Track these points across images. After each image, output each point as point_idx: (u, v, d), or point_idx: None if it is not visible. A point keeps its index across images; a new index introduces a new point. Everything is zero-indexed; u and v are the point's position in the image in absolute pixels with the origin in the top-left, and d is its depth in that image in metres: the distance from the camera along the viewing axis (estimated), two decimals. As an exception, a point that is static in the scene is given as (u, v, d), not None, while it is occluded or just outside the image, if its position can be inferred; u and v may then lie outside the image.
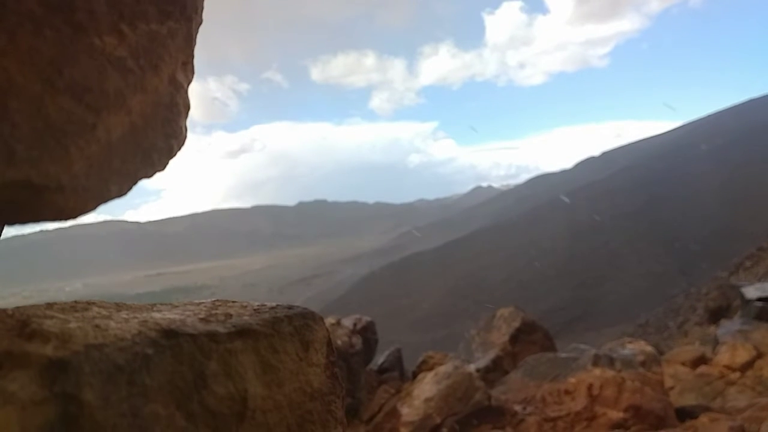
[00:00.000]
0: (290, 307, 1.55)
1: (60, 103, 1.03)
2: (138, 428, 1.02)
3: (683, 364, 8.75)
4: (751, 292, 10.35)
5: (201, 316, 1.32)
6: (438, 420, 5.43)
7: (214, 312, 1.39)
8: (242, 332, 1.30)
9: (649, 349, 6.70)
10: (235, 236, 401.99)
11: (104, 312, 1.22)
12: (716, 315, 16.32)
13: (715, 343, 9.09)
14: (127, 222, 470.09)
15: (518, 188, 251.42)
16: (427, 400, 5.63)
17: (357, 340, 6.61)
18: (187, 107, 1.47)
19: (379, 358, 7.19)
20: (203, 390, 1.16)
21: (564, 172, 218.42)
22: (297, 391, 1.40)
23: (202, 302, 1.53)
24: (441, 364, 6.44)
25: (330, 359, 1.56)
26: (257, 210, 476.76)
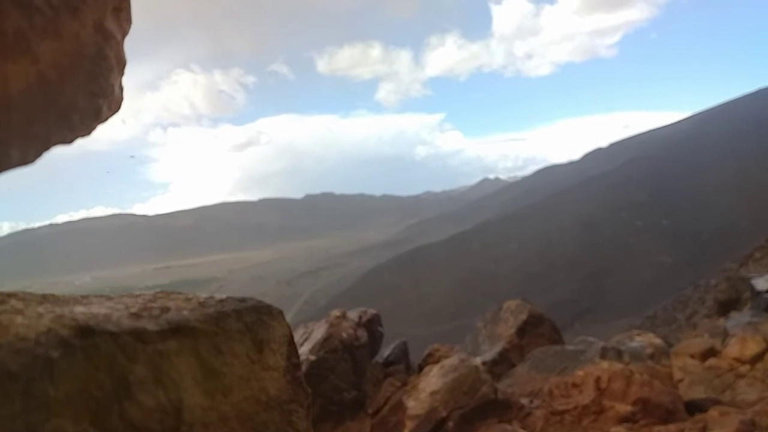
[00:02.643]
0: (242, 300, 1.36)
1: None
2: None
3: (692, 356, 8.66)
4: (761, 283, 10.24)
5: (133, 311, 1.12)
6: (444, 413, 5.39)
7: (149, 306, 1.19)
8: (178, 330, 1.11)
9: (657, 341, 6.64)
10: (243, 229, 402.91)
11: (19, 305, 1.04)
12: (725, 307, 16.20)
13: (725, 335, 9.00)
14: (135, 215, 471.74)
15: (526, 180, 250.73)
16: (433, 393, 5.59)
17: (362, 333, 6.58)
18: (122, 63, 1.27)
19: (385, 351, 7.15)
20: (126, 401, 0.98)
21: (572, 164, 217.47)
22: (248, 399, 1.21)
23: (142, 294, 1.34)
24: (447, 357, 6.40)
25: (292, 361, 1.37)
26: (265, 203, 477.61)
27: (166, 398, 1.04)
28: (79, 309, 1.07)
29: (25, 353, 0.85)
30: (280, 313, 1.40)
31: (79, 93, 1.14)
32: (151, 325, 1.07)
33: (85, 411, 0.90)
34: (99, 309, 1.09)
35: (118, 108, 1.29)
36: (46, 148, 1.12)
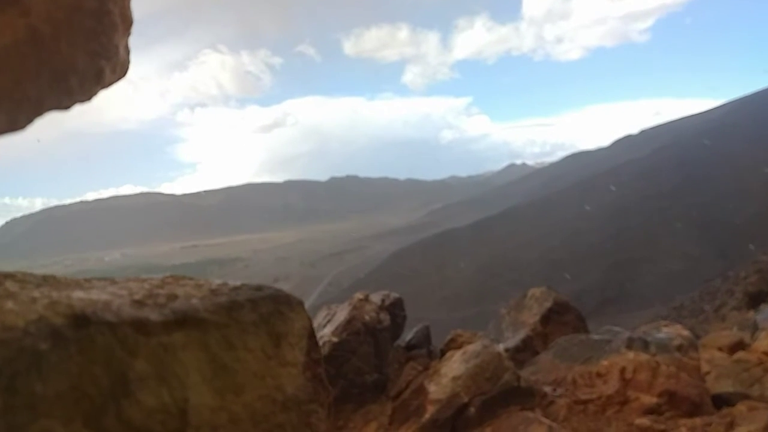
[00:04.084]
0: (258, 288, 1.20)
1: None
2: None
3: (720, 349, 8.49)
4: (795, 277, 9.99)
5: (136, 298, 1.00)
6: (465, 399, 5.37)
7: (155, 292, 1.06)
8: (184, 321, 0.99)
9: (685, 333, 6.51)
10: (269, 210, 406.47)
11: (14, 288, 0.93)
12: (756, 300, 15.90)
13: (754, 328, 8.81)
14: (163, 194, 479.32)
15: (553, 166, 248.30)
16: (455, 378, 5.57)
17: (385, 317, 6.57)
18: (129, 22, 1.14)
19: (407, 335, 7.15)
20: (124, 399, 0.87)
21: (600, 150, 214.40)
22: (263, 399, 1.10)
23: (149, 279, 1.20)
24: (469, 343, 6.36)
25: (312, 357, 1.24)
26: (290, 185, 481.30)
27: (170, 397, 0.93)
28: (78, 294, 0.95)
29: (10, 345, 0.75)
30: (300, 303, 1.25)
31: (78, 52, 1.01)
32: (154, 315, 0.96)
33: (77, 410, 0.80)
34: (100, 295, 0.98)
35: (124, 72, 1.17)
36: (39, 113, 1.01)
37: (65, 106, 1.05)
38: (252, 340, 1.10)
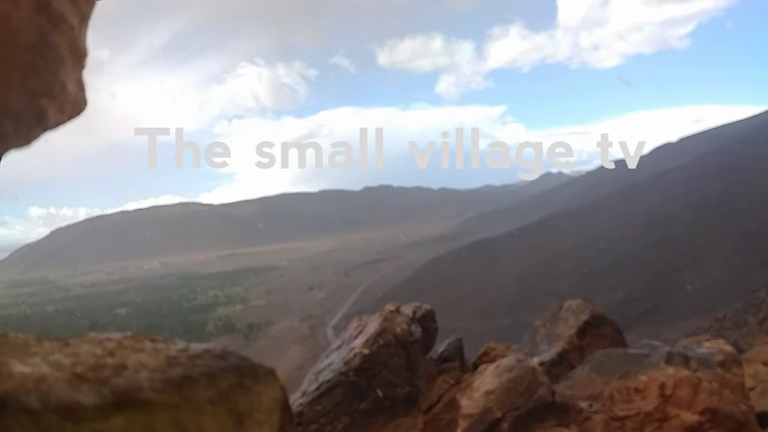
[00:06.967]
0: (222, 356, 1.03)
1: None
2: None
3: (765, 363, 8.21)
4: None
5: (78, 370, 0.87)
6: (498, 414, 5.28)
7: (104, 362, 0.92)
8: (125, 403, 0.84)
9: (728, 348, 6.28)
10: (304, 219, 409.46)
11: None
12: (804, 312, 15.32)
13: (803, 343, 8.48)
14: (201, 204, 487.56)
15: (590, 174, 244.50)
16: (488, 393, 5.48)
17: (416, 329, 6.51)
18: (80, 54, 1.01)
19: (439, 347, 7.06)
20: None
21: (639, 159, 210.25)
22: None
23: (108, 339, 1.03)
24: (503, 356, 6.27)
25: (286, 431, 1.07)
26: (324, 194, 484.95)
27: None
28: (13, 367, 0.82)
29: None
30: (270, 372, 1.07)
31: (12, 92, 0.87)
32: (89, 398, 0.81)
33: None
34: (38, 366, 0.85)
35: (76, 110, 1.03)
36: None
37: None
38: (208, 420, 0.94)
